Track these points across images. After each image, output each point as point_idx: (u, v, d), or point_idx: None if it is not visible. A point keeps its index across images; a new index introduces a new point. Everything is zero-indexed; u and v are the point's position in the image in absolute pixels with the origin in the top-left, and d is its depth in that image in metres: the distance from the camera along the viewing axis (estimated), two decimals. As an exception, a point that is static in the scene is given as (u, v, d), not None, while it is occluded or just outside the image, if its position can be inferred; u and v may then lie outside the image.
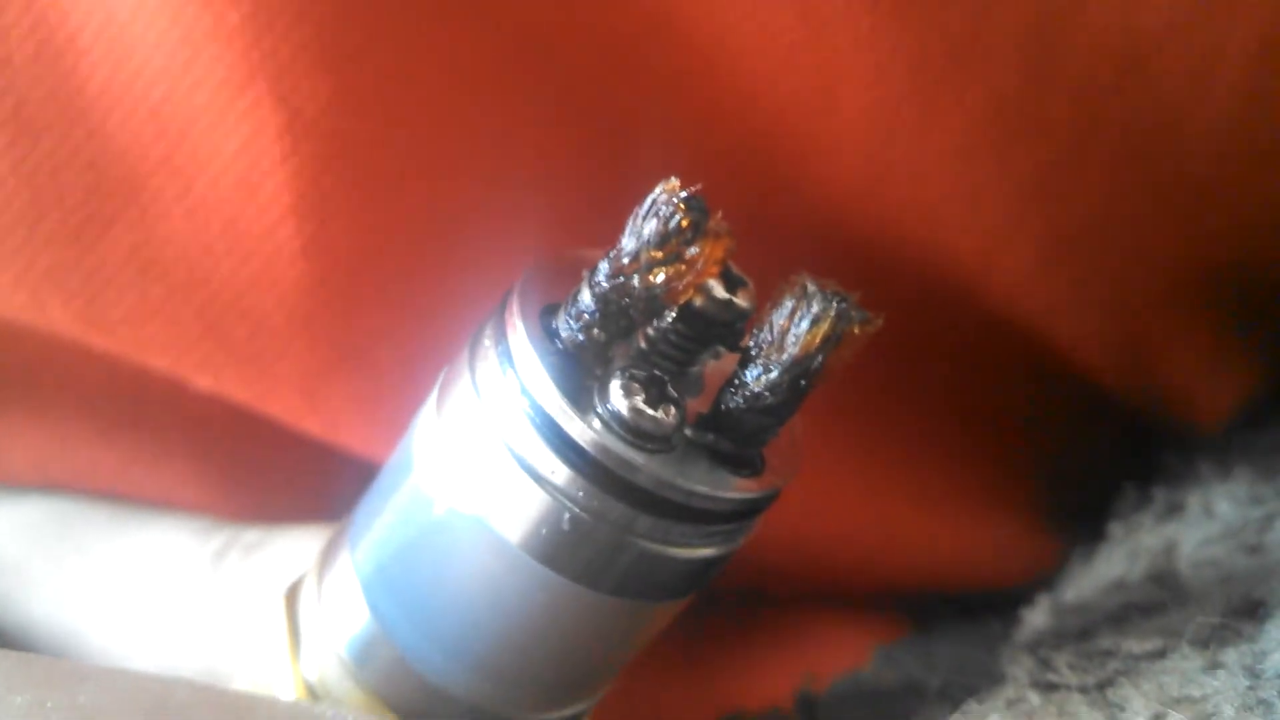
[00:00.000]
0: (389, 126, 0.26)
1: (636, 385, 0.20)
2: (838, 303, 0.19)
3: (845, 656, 0.33)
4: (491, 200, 0.27)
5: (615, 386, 0.20)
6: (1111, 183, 0.30)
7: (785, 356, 0.20)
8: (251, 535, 0.29)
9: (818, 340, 0.19)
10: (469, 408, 0.21)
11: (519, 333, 0.20)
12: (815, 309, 0.19)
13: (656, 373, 0.20)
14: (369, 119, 0.26)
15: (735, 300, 0.21)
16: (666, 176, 0.20)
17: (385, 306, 0.28)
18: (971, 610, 0.32)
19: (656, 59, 0.26)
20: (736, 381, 0.20)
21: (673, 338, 0.21)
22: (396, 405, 0.28)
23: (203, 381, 0.29)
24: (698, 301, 0.21)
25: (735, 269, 0.21)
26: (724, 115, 0.27)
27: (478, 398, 0.21)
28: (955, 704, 0.25)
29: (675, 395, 0.20)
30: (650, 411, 0.19)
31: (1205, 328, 0.34)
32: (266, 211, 0.27)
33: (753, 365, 0.20)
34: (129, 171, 0.27)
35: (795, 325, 0.19)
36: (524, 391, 0.20)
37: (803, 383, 0.20)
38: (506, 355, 0.20)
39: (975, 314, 0.31)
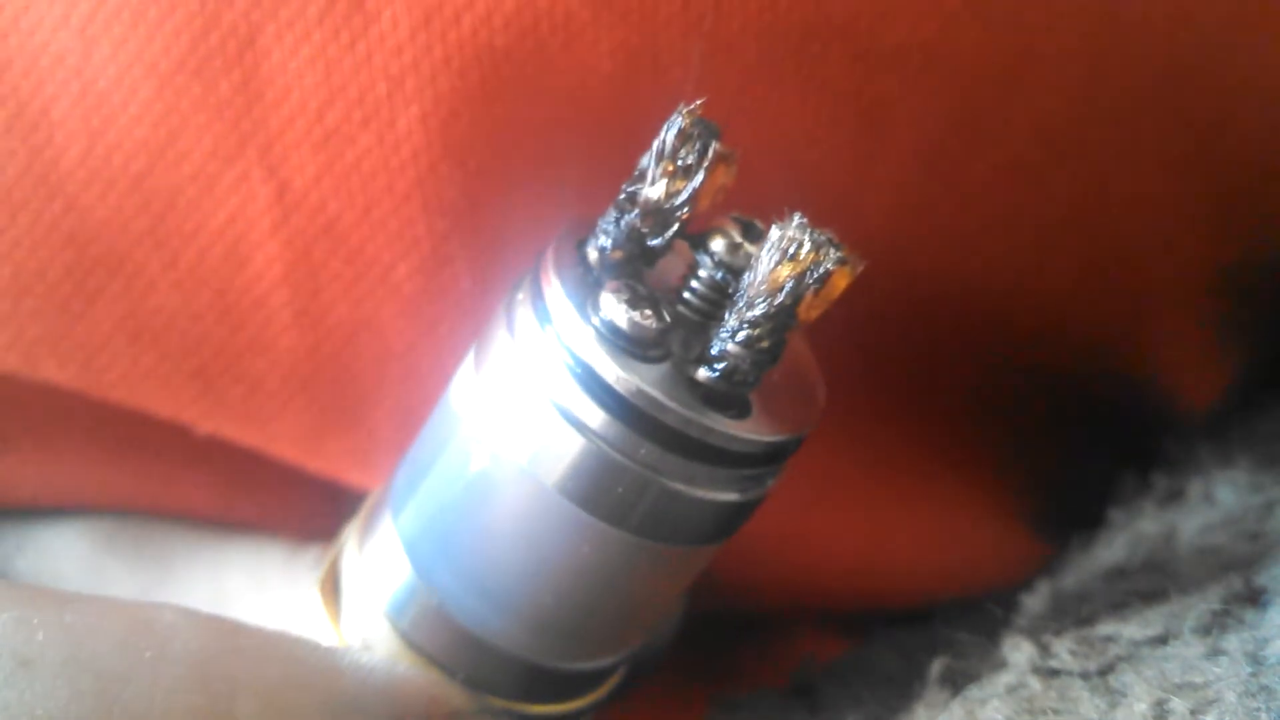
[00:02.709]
0: (383, 197, 0.25)
1: (625, 292, 0.20)
2: (813, 239, 0.20)
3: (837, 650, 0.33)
4: (481, 272, 0.26)
5: (605, 294, 0.21)
6: (1149, 196, 0.30)
7: (759, 286, 0.20)
8: None
9: (786, 273, 0.20)
10: (502, 345, 0.22)
11: (546, 254, 0.21)
12: (788, 242, 0.20)
13: (657, 294, 0.21)
14: (357, 194, 0.25)
15: (746, 245, 0.21)
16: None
17: (380, 373, 0.28)
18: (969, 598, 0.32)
19: (704, 117, 0.26)
20: (723, 316, 0.21)
21: (694, 284, 0.22)
22: (393, 460, 0.28)
23: (204, 429, 0.29)
24: (716, 245, 0.21)
25: (761, 225, 0.21)
26: (771, 166, 0.26)
27: (511, 337, 0.21)
28: (956, 688, 0.25)
29: (666, 314, 0.21)
30: (630, 312, 0.20)
31: (1211, 320, 0.34)
32: (257, 282, 0.27)
33: (737, 299, 0.20)
34: (111, 245, 0.26)
35: (770, 257, 0.20)
36: (544, 311, 0.21)
37: (772, 310, 0.20)
38: (536, 279, 0.21)
39: (996, 324, 0.31)
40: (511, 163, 0.26)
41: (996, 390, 0.33)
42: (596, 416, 0.20)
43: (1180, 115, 0.29)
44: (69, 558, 0.31)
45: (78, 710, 0.19)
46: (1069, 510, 0.34)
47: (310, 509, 0.32)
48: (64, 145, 0.25)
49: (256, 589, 0.30)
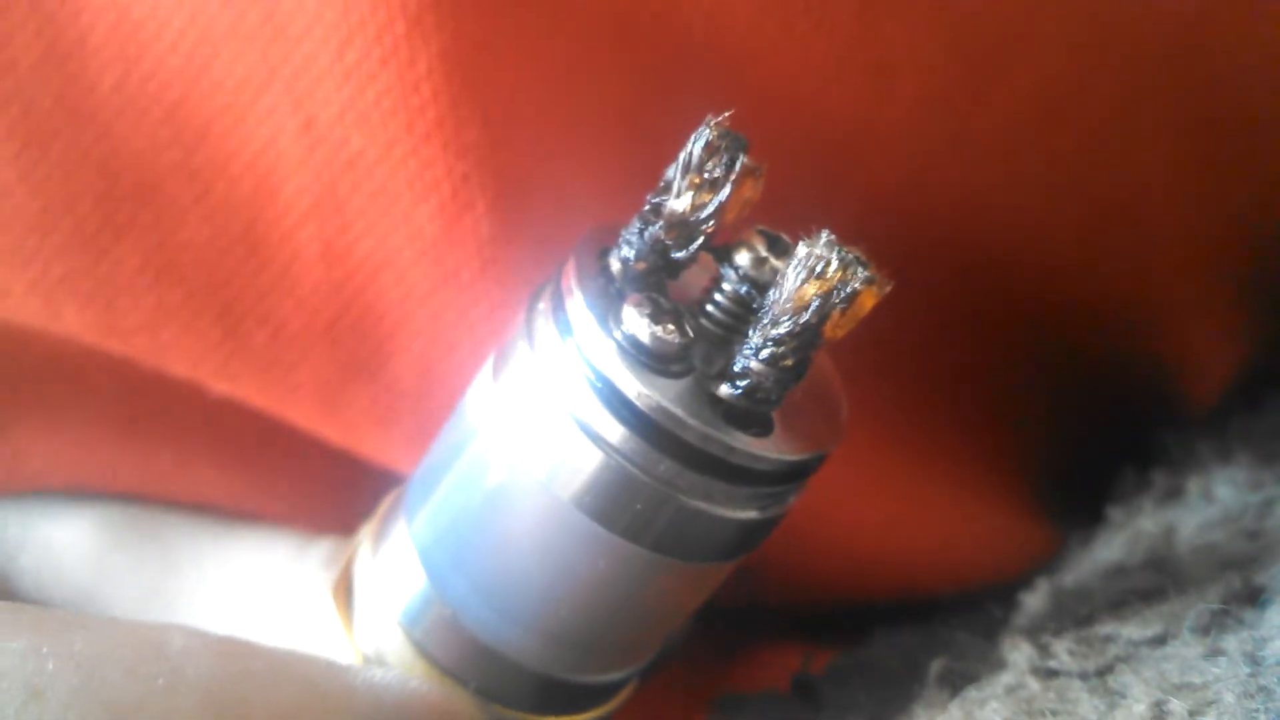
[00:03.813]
0: (403, 136, 0.25)
1: (647, 305, 0.20)
2: (841, 257, 0.19)
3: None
4: (502, 218, 0.26)
5: (628, 307, 0.20)
6: (1151, 158, 0.30)
7: (784, 304, 0.20)
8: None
9: (813, 292, 0.19)
10: (522, 357, 0.22)
11: (568, 264, 0.21)
12: (815, 260, 0.19)
13: (680, 307, 0.21)
14: (378, 131, 0.25)
15: (771, 260, 0.21)
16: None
17: (402, 317, 0.28)
18: (971, 595, 0.32)
19: (714, 58, 0.26)
20: (746, 331, 0.21)
21: (718, 297, 0.21)
22: (414, 417, 0.28)
23: (220, 387, 0.28)
24: (741, 259, 0.21)
25: (787, 239, 0.21)
26: (780, 111, 0.26)
27: (531, 349, 0.21)
28: (955, 689, 0.25)
29: (689, 328, 0.20)
30: (653, 327, 0.20)
31: (1217, 299, 0.34)
32: (286, 215, 0.27)
33: (762, 316, 0.20)
34: (143, 176, 0.26)
35: (796, 274, 0.20)
36: (565, 323, 0.21)
37: (798, 329, 0.20)
38: (557, 289, 0.21)
39: (1003, 297, 0.31)
40: (530, 105, 0.25)
41: (1007, 369, 0.32)
42: (616, 431, 0.20)
43: (1187, 73, 0.29)
44: (73, 553, 0.31)
45: None
46: (1081, 496, 0.34)
47: (322, 497, 0.31)
48: (99, 74, 0.25)
49: (264, 584, 0.30)
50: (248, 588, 0.30)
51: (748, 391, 0.20)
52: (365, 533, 0.26)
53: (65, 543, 0.31)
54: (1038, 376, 0.33)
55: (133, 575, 0.30)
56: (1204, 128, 0.30)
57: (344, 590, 0.26)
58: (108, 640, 0.21)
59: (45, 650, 0.20)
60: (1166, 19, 0.28)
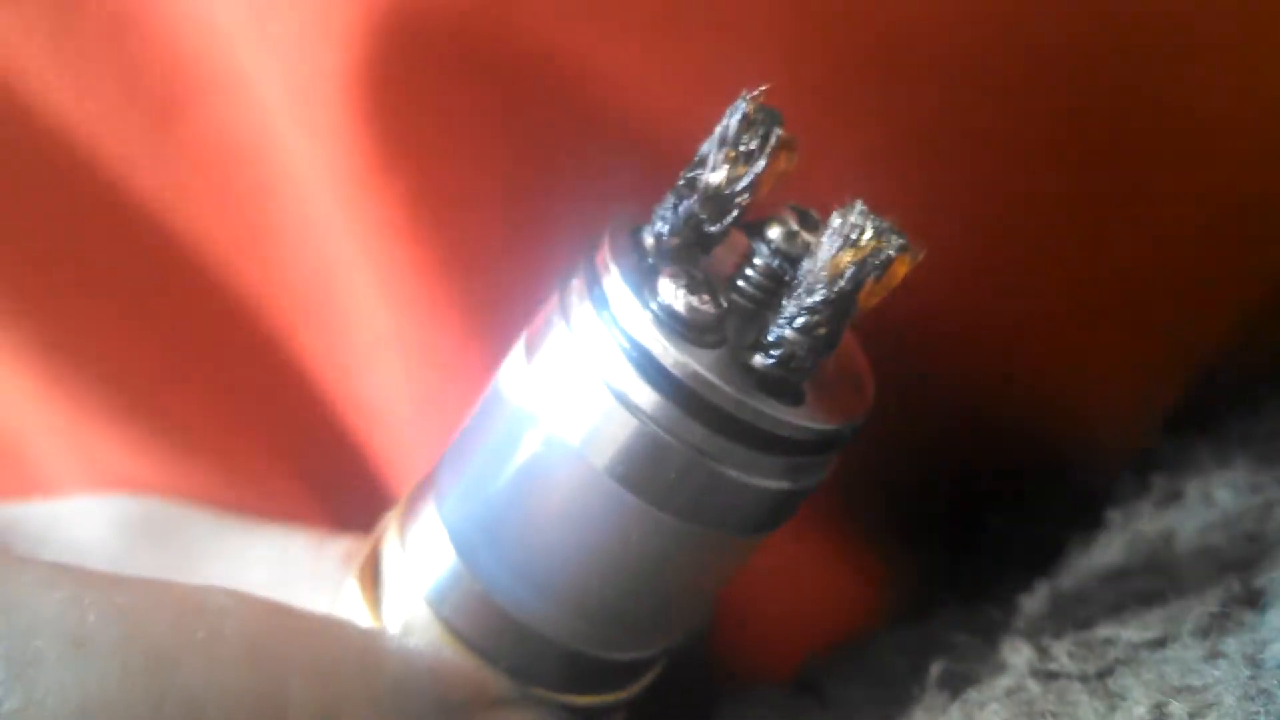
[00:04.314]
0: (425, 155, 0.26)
1: (682, 277, 0.21)
2: (875, 225, 0.20)
3: None
4: (408, 240, 0.27)
5: (663, 279, 0.21)
6: (1029, 191, 0.29)
7: (819, 272, 0.20)
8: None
9: (848, 260, 0.20)
10: (558, 332, 0.22)
11: (602, 241, 0.22)
12: (850, 228, 0.20)
13: (714, 280, 0.21)
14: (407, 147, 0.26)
15: (802, 234, 0.21)
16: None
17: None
18: (969, 599, 0.32)
19: (600, 106, 0.26)
20: (780, 303, 0.21)
21: (749, 272, 0.22)
22: (418, 422, 0.29)
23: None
24: (772, 234, 0.21)
25: (817, 215, 0.22)
26: (646, 143, 0.27)
27: (567, 325, 0.22)
28: (955, 692, 0.25)
29: (722, 300, 0.21)
30: (688, 297, 0.20)
31: (1115, 344, 0.32)
32: (325, 193, 0.28)
33: (797, 285, 0.20)
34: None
35: (831, 243, 0.20)
36: (601, 297, 0.21)
37: (832, 296, 0.20)
38: (591, 265, 0.22)
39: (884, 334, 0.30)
40: (424, 129, 0.26)
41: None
42: (651, 400, 0.20)
43: (1056, 106, 0.27)
44: (92, 553, 0.31)
45: (131, 691, 0.19)
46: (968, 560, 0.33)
47: (341, 492, 0.32)
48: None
49: (283, 580, 0.30)
50: (266, 585, 0.30)
51: (782, 360, 0.21)
52: (390, 518, 0.26)
53: (84, 543, 0.31)
54: (923, 419, 0.32)
55: (151, 573, 0.31)
56: (1086, 165, 0.28)
57: (370, 573, 0.26)
58: (149, 595, 0.21)
59: (87, 602, 0.20)
60: (1036, 49, 0.26)
